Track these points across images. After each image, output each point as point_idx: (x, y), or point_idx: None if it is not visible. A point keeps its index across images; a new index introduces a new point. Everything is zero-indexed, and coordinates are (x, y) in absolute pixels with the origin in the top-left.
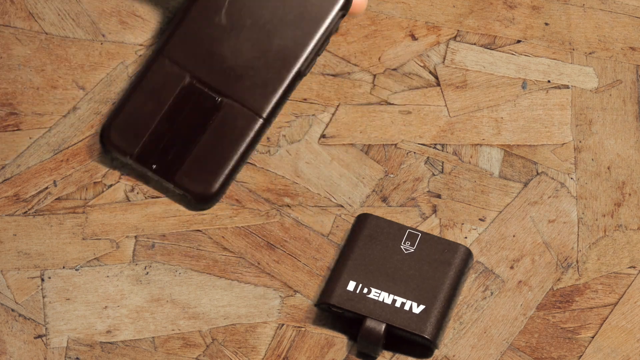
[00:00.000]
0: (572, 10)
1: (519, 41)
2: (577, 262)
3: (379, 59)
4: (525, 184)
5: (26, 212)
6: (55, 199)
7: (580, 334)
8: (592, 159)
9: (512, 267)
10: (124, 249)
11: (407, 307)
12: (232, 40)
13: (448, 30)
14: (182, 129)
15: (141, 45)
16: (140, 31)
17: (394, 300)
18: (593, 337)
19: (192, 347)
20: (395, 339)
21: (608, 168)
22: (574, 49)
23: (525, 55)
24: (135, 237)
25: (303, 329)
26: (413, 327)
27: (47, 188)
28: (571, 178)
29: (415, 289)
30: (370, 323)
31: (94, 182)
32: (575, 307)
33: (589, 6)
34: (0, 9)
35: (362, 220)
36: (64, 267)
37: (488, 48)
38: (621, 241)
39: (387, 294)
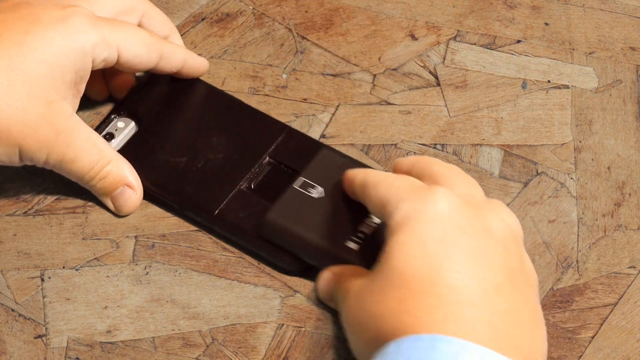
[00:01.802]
0: (572, 10)
1: (519, 41)
2: (577, 262)
3: (379, 59)
4: (525, 184)
5: (26, 212)
6: (55, 199)
7: (580, 334)
8: (592, 159)
9: None
10: (124, 249)
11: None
12: None
13: (448, 30)
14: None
15: None
16: None
17: None
18: (593, 337)
19: (192, 347)
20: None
21: (608, 168)
22: (574, 49)
23: (525, 55)
24: (135, 237)
25: (303, 329)
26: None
27: (47, 188)
28: (571, 178)
29: None
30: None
31: None
32: (575, 307)
33: (589, 6)
34: None
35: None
36: (64, 267)
37: (488, 48)
38: (621, 241)
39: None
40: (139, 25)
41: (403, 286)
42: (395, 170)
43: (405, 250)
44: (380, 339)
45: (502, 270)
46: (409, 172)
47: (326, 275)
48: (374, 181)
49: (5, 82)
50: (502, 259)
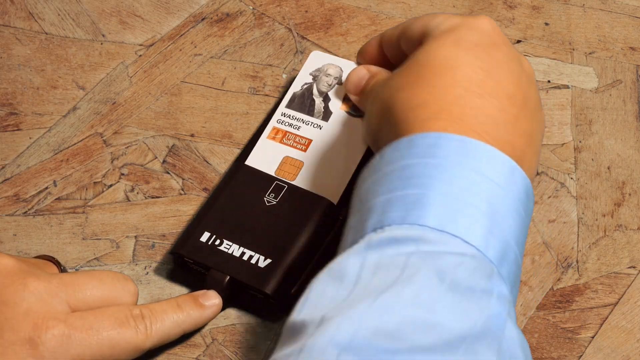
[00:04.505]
0: (572, 10)
1: (519, 41)
2: (577, 262)
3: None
4: None
5: (26, 212)
6: (55, 199)
7: (580, 334)
8: (592, 159)
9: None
10: (124, 249)
11: (253, 261)
12: None
13: None
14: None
15: (141, 45)
16: (140, 31)
17: (243, 253)
18: (593, 337)
19: (192, 347)
20: (246, 294)
21: (608, 168)
22: (574, 49)
23: (526, 55)
24: (135, 237)
25: None
26: (254, 281)
27: (47, 188)
28: (571, 178)
29: (267, 242)
30: (213, 274)
31: (94, 182)
32: (575, 307)
33: (589, 6)
34: (0, 9)
35: (235, 170)
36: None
37: None
38: (621, 241)
39: (237, 246)
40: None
41: (427, 65)
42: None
43: (439, 42)
44: (393, 123)
45: (519, 90)
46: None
47: (360, 72)
48: (411, 20)
49: None
50: (524, 83)
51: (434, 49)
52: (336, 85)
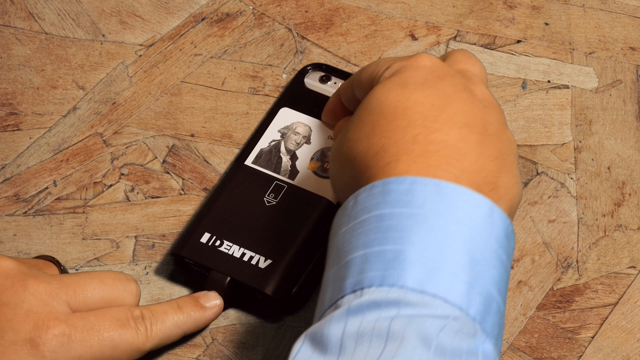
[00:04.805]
0: (572, 10)
1: (519, 41)
2: (577, 262)
3: (379, 59)
4: (525, 184)
5: (26, 212)
6: (55, 199)
7: (580, 334)
8: (592, 159)
9: (512, 267)
10: (124, 249)
11: (254, 262)
12: None
13: (448, 30)
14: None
15: (141, 45)
16: (140, 31)
17: (243, 254)
18: (593, 337)
19: (192, 347)
20: (246, 295)
21: (608, 168)
22: (574, 49)
23: (525, 55)
24: (135, 237)
25: (302, 329)
26: (255, 282)
27: (47, 188)
28: (571, 178)
29: (267, 242)
30: (214, 275)
31: (94, 182)
32: (575, 307)
33: (589, 6)
34: (0, 9)
35: (235, 170)
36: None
37: (488, 48)
38: (621, 241)
39: (237, 247)
40: None
41: (379, 112)
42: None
43: (386, 87)
44: (356, 174)
45: (475, 116)
46: None
47: (337, 124)
48: (361, 69)
49: None
50: (479, 108)
51: (383, 95)
52: (304, 145)
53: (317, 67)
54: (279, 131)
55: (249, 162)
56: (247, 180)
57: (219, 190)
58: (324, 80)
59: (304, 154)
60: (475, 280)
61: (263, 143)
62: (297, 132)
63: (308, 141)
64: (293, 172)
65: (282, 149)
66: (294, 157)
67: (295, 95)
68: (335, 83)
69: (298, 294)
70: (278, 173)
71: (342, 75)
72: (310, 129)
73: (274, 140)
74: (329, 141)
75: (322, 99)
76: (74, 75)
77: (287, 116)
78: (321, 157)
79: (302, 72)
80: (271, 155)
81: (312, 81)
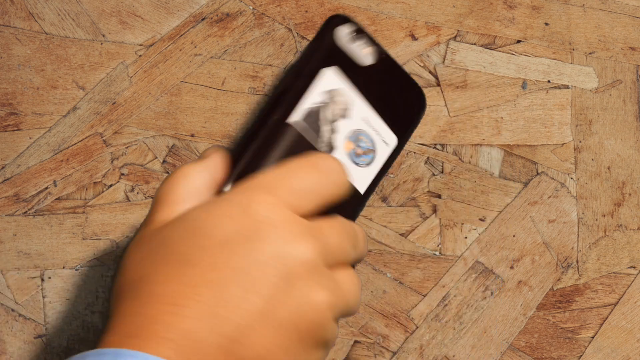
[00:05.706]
0: (572, 10)
1: (519, 41)
2: (577, 262)
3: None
4: (525, 184)
5: (26, 212)
6: (55, 199)
7: (580, 334)
8: (592, 159)
9: (512, 267)
10: (124, 249)
11: None
12: None
13: (448, 30)
14: None
15: (141, 45)
16: (140, 31)
17: None
18: (593, 337)
19: None
20: None
21: (608, 168)
22: (574, 49)
23: (525, 55)
24: None
25: None
26: None
27: (47, 188)
28: (571, 178)
29: None
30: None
31: (94, 182)
32: (575, 307)
33: (589, 6)
34: (0, 9)
35: (278, 128)
36: (64, 267)
37: (488, 48)
38: (621, 241)
39: None
40: None
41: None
42: None
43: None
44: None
45: (262, 300)
46: None
47: None
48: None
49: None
50: (274, 293)
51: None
52: (341, 119)
53: (344, 20)
54: (319, 94)
55: (292, 120)
56: (287, 142)
57: (247, 145)
58: (354, 39)
59: (341, 129)
60: None
61: (305, 103)
62: (336, 102)
63: (346, 115)
64: (330, 147)
65: (323, 116)
66: (333, 129)
67: (332, 56)
68: (366, 46)
69: None
70: (315, 144)
71: (371, 40)
72: (349, 101)
73: (315, 104)
74: (364, 123)
75: (352, 65)
76: (74, 75)
77: (327, 80)
78: (355, 139)
79: (329, 25)
80: (314, 120)
81: (341, 40)
